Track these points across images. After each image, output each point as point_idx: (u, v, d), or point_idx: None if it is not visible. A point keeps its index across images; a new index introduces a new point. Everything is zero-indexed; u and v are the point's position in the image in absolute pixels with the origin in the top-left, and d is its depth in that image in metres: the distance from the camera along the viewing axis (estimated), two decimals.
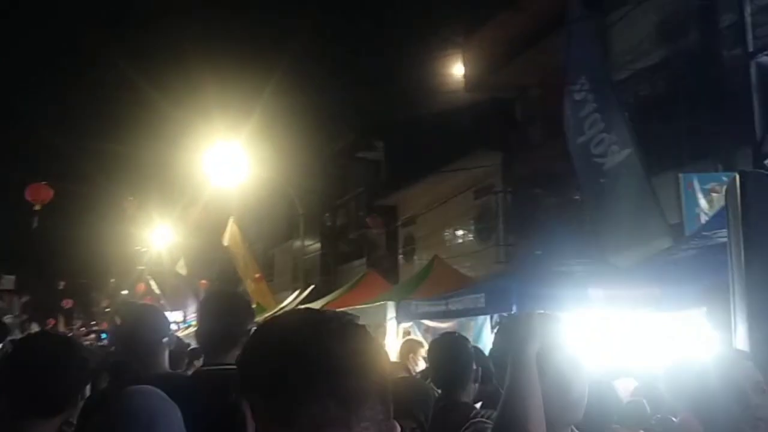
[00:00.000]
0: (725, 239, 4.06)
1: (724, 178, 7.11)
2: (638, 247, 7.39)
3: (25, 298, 37.47)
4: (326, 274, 25.78)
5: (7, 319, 21.77)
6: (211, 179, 23.65)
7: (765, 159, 8.00)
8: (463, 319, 6.03)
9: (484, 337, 6.09)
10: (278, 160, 23.69)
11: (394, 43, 24.67)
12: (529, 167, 16.10)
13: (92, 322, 51.12)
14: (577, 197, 15.17)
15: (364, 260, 23.61)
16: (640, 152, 7.73)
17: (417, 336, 6.89)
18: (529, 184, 16.27)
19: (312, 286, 15.73)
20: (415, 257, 20.82)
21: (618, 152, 7.72)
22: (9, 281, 37.59)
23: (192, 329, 26.65)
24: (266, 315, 14.91)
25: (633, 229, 7.61)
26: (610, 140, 7.75)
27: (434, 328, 6.56)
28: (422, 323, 6.82)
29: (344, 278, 20.68)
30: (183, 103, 24.51)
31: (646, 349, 4.05)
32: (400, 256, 22.01)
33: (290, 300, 15.32)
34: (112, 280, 55.39)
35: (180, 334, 27.17)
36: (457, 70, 20.30)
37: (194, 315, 37.57)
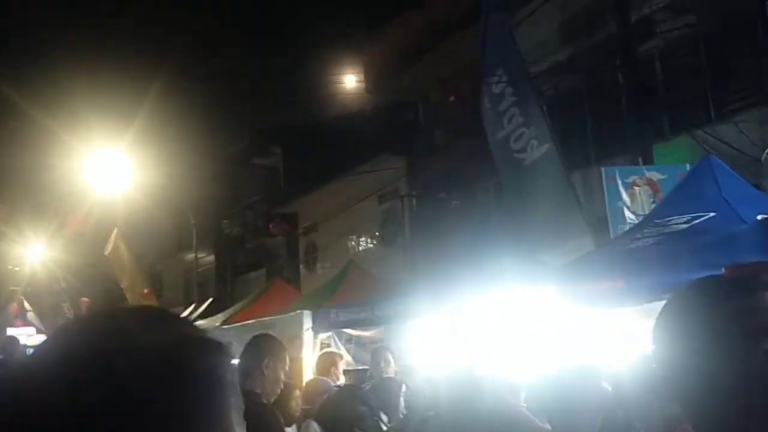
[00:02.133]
0: (685, 226, 3.81)
1: (645, 172, 7.03)
2: (560, 244, 7.20)
3: None
4: (222, 286, 24.65)
5: None
6: (93, 189, 22.02)
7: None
8: (390, 326, 5.53)
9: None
10: (167, 168, 22.39)
11: (292, 46, 24.08)
12: (434, 171, 15.93)
13: None
14: (482, 200, 15.18)
15: (263, 271, 22.73)
16: (559, 147, 7.56)
17: (338, 347, 6.33)
18: (434, 188, 16.08)
19: (210, 300, 14.74)
20: (318, 266, 20.21)
21: (537, 147, 7.52)
22: None
23: None
24: None
25: (554, 226, 7.43)
26: (529, 135, 7.53)
27: (358, 337, 6.02)
28: (344, 332, 6.27)
29: (242, 291, 19.76)
30: (57, 110, 22.68)
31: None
32: (302, 266, 21.32)
33: (186, 314, 14.25)
34: None
35: None
36: (358, 73, 19.94)
37: None
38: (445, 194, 15.83)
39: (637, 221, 6.53)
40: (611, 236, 6.84)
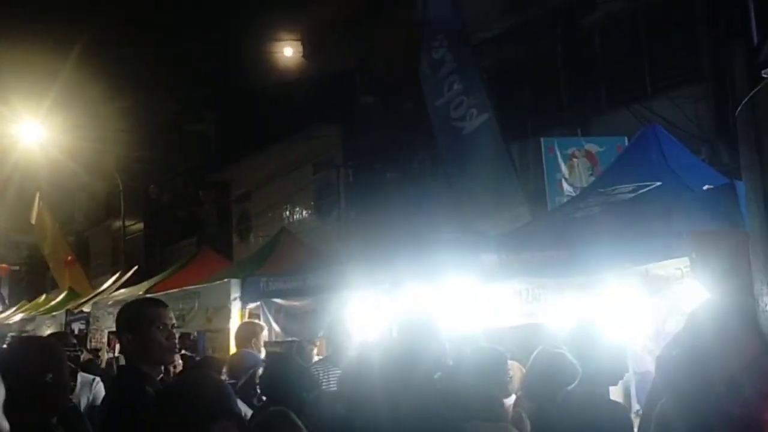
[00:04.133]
0: (630, 195, 3.69)
1: (584, 143, 6.96)
2: (497, 214, 7.09)
3: None
4: (151, 255, 23.89)
5: None
6: (14, 151, 20.84)
7: None
8: (323, 296, 5.28)
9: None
10: (95, 130, 21.38)
11: (232, 9, 23.26)
12: (370, 141, 15.67)
13: None
14: (419, 171, 15.03)
15: (194, 239, 22.10)
16: (497, 117, 7.41)
17: (268, 318, 6.05)
18: (369, 158, 15.82)
19: (135, 267, 14.14)
20: (251, 235, 19.76)
21: (477, 116, 7.33)
22: None
23: None
24: (81, 300, 13.18)
25: (491, 196, 7.31)
26: (469, 103, 7.34)
27: (289, 307, 5.74)
28: (273, 302, 5.98)
29: (172, 260, 19.12)
30: None
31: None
32: (234, 235, 20.81)
33: (110, 283, 13.64)
34: None
35: None
36: (296, 39, 19.40)
37: None
38: (381, 165, 15.60)
39: (574, 193, 6.48)
40: (548, 208, 6.78)
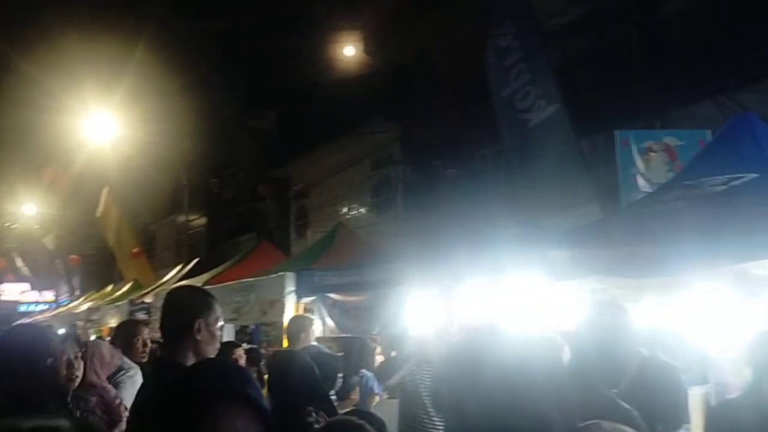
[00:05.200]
0: (722, 187, 3.31)
1: (663, 136, 6.51)
2: (565, 211, 6.72)
3: None
4: (212, 249, 24.19)
5: None
6: (85, 146, 21.43)
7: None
8: (379, 292, 5.04)
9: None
10: (160, 128, 21.77)
11: (292, 7, 23.31)
12: (430, 137, 15.36)
13: None
14: (479, 168, 14.64)
15: (253, 234, 22.26)
16: (567, 108, 7.02)
17: (322, 313, 5.86)
18: (428, 154, 15.51)
19: (196, 259, 14.29)
20: (309, 231, 19.75)
21: (545, 107, 6.98)
22: None
23: (62, 310, 24.32)
24: (144, 291, 13.39)
25: (559, 192, 6.94)
26: (536, 94, 6.99)
27: (343, 303, 5.53)
28: (328, 297, 5.79)
29: (231, 254, 19.27)
30: (50, 65, 21.92)
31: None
32: (293, 231, 20.85)
33: (172, 274, 13.83)
34: None
35: (50, 315, 24.80)
36: (356, 35, 19.26)
37: (66, 295, 34.86)
38: (440, 161, 15.27)
39: (651, 190, 6.04)
40: (622, 205, 6.36)
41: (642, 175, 6.38)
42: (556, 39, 8.94)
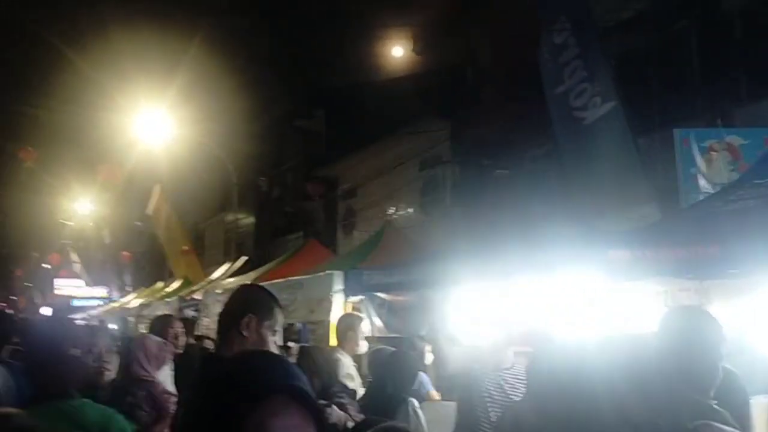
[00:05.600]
0: None
1: (725, 135, 6.24)
2: (622, 212, 6.50)
3: None
4: (260, 247, 24.44)
5: None
6: (137, 145, 21.89)
7: None
8: (427, 292, 4.94)
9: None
10: (210, 127, 22.10)
11: (337, 7, 23.39)
12: (479, 137, 15.16)
13: (11, 296, 48.30)
14: (530, 168, 14.38)
15: (300, 234, 22.40)
16: (624, 106, 6.79)
17: (370, 312, 5.78)
18: (478, 154, 15.31)
19: (245, 258, 14.41)
20: (355, 231, 19.74)
21: (601, 105, 6.76)
22: None
23: (114, 305, 24.88)
24: (192, 288, 13.56)
25: (615, 192, 6.72)
26: (592, 91, 6.78)
27: (392, 302, 5.45)
28: (376, 296, 5.71)
29: (278, 253, 19.43)
30: (103, 63, 22.48)
31: None
32: (339, 230, 20.89)
33: (221, 272, 13.97)
34: (35, 254, 52.24)
35: (103, 310, 25.40)
36: (406, 34, 19.20)
37: (118, 290, 35.68)
38: (490, 162, 15.06)
39: (712, 190, 5.80)
40: (682, 206, 6.12)
41: (703, 174, 6.13)
42: (613, 35, 8.68)
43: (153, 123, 19.95)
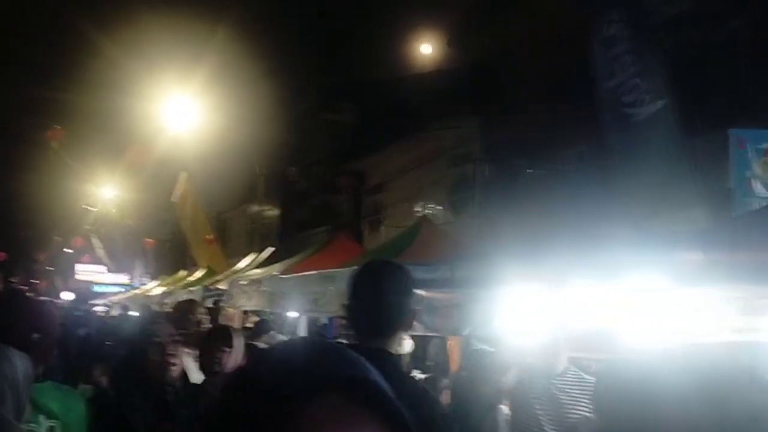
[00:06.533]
0: None
1: None
2: (668, 215, 6.22)
3: None
4: (284, 240, 24.33)
5: None
6: (164, 131, 21.85)
7: None
8: (471, 291, 4.72)
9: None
10: (237, 115, 22.01)
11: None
12: (512, 135, 14.88)
13: (32, 280, 48.88)
14: (563, 168, 14.08)
15: (325, 228, 22.26)
16: (677, 105, 6.50)
17: None
18: (509, 152, 15.02)
19: (272, 249, 14.26)
20: (382, 227, 19.55)
21: (651, 103, 6.47)
22: None
23: (136, 293, 24.92)
24: (217, 278, 13.44)
25: (662, 194, 6.43)
26: (643, 87, 6.49)
27: (431, 299, 5.22)
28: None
29: (303, 246, 19.26)
30: (131, 48, 22.50)
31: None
32: (365, 226, 20.73)
33: (247, 262, 13.83)
34: (58, 238, 52.80)
35: (124, 296, 25.45)
36: (437, 28, 18.95)
37: (140, 277, 35.88)
38: (522, 160, 14.77)
39: None
40: (735, 210, 5.83)
41: (758, 178, 5.83)
42: (666, 30, 8.37)
43: (180, 109, 19.89)
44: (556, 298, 3.89)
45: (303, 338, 1.36)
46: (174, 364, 2.68)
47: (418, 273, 5.58)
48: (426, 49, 20.34)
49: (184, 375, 3.47)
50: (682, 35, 8.63)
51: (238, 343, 3.74)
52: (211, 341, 3.72)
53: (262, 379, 0.77)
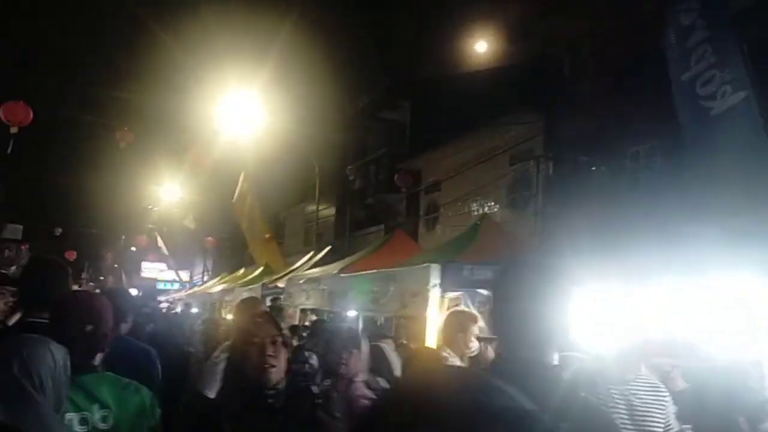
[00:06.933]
0: None
1: None
2: (751, 213, 5.84)
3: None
4: (340, 239, 24.37)
5: (13, 269, 20.66)
6: (224, 131, 22.14)
7: None
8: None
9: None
10: (296, 116, 22.14)
11: None
12: (576, 131, 14.43)
13: (100, 278, 50.49)
14: (630, 166, 13.59)
15: (381, 227, 22.18)
16: (758, 97, 6.12)
17: (469, 308, 5.37)
18: (573, 150, 14.57)
19: (329, 247, 14.25)
20: (438, 226, 19.32)
21: (731, 94, 6.11)
22: (16, 230, 36.43)
23: (197, 290, 25.41)
24: (275, 276, 13.50)
25: (743, 190, 6.05)
26: (722, 78, 6.13)
27: None
28: (478, 293, 5.31)
29: (359, 245, 19.27)
30: (194, 49, 22.90)
31: None
32: (421, 225, 20.53)
33: (305, 260, 13.86)
34: (123, 237, 54.40)
35: (183, 294, 25.96)
36: (496, 23, 18.60)
37: (200, 275, 36.51)
38: (586, 158, 14.31)
39: None
40: None
41: None
42: (747, 19, 7.91)
43: (240, 110, 20.10)
44: (636, 298, 3.66)
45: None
46: (274, 366, 2.51)
47: (484, 272, 5.41)
48: (483, 45, 20.00)
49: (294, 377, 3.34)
50: (765, 23, 8.14)
51: (366, 346, 3.68)
52: (337, 342, 3.67)
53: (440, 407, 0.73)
